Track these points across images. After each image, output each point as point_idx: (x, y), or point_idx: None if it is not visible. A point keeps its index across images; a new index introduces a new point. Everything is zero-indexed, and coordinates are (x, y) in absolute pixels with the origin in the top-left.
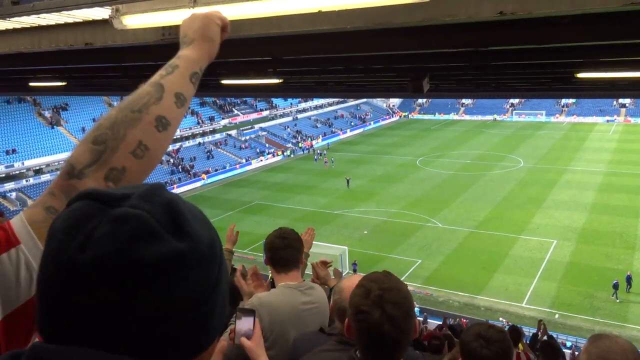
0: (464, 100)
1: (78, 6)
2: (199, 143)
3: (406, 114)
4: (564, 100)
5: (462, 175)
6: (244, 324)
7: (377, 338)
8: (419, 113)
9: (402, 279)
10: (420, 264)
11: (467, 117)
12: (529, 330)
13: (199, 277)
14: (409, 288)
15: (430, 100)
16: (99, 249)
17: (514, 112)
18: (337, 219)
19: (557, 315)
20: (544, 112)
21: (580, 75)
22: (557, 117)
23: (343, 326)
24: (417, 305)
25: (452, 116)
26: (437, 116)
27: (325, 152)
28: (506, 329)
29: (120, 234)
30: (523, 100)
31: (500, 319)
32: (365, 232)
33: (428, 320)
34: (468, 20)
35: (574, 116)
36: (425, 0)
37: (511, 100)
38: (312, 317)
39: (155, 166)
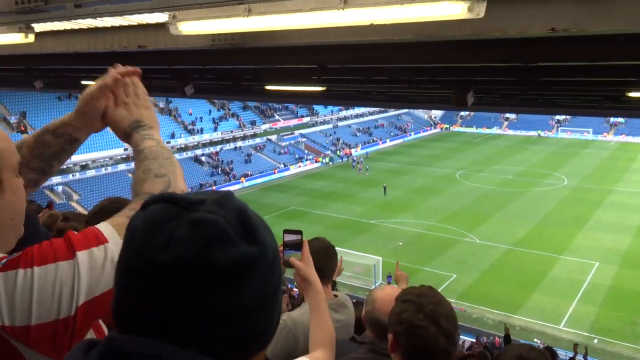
0: (507, 115)
1: (139, 11)
2: (238, 147)
3: (447, 126)
4: (612, 119)
5: (502, 190)
6: (291, 243)
7: (431, 352)
8: (461, 126)
9: None
10: (455, 278)
11: (510, 132)
12: (565, 354)
13: (265, 281)
14: None
15: (473, 113)
16: (178, 249)
17: (560, 128)
18: (373, 228)
19: (595, 340)
20: (591, 130)
21: (632, 94)
22: (604, 136)
23: (375, 336)
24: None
25: (495, 130)
26: (479, 130)
27: (362, 159)
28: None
29: (197, 237)
30: (569, 117)
31: (535, 339)
32: (401, 243)
33: (461, 336)
34: (518, 35)
35: (623, 135)
36: (478, 17)
37: (557, 117)
38: (340, 335)
39: None
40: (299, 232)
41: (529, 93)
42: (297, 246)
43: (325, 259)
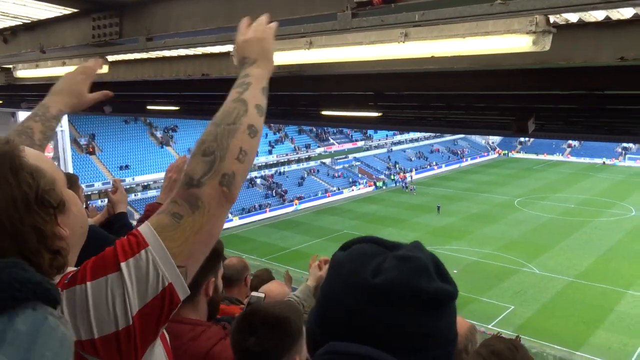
0: (570, 141)
1: (203, 44)
2: (292, 169)
3: (506, 152)
4: None
5: (564, 220)
6: None
7: None
8: (520, 152)
9: (492, 325)
10: (513, 310)
11: (573, 159)
12: None
13: (453, 317)
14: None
15: (532, 139)
16: (388, 275)
17: (627, 156)
18: None
19: None
20: None
21: None
22: None
23: None
24: None
25: (557, 157)
26: (540, 156)
27: (411, 178)
28: None
29: (404, 268)
30: (637, 145)
31: None
32: (455, 271)
33: None
34: (584, 64)
35: None
36: (544, 50)
37: (623, 144)
38: None
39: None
40: None
41: (595, 120)
42: None
43: None
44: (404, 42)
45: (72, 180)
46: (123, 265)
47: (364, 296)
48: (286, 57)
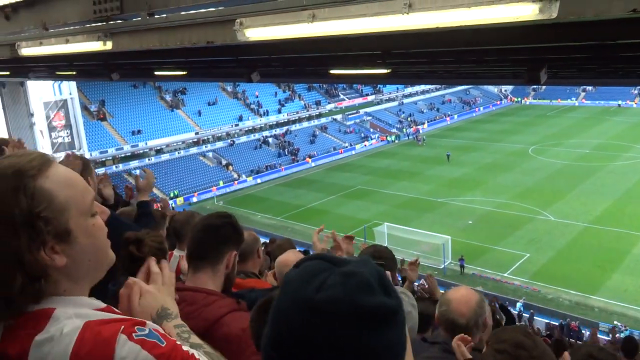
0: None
1: (206, 19)
2: (302, 128)
3: (519, 99)
4: None
5: (579, 165)
6: None
7: None
8: (534, 98)
9: (507, 273)
10: (528, 258)
11: (588, 103)
12: None
13: (399, 332)
14: (515, 283)
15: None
16: (331, 292)
17: None
18: (441, 207)
19: None
20: None
21: None
22: None
23: (448, 335)
24: (522, 301)
25: (571, 102)
26: (554, 102)
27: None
28: (623, 334)
29: (348, 284)
30: None
31: (616, 322)
32: (470, 222)
33: (535, 317)
34: (595, 18)
35: None
36: (552, 17)
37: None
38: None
39: None
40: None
41: (608, 67)
42: None
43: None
44: (407, 13)
45: (84, 164)
46: None
47: (307, 313)
48: (290, 30)
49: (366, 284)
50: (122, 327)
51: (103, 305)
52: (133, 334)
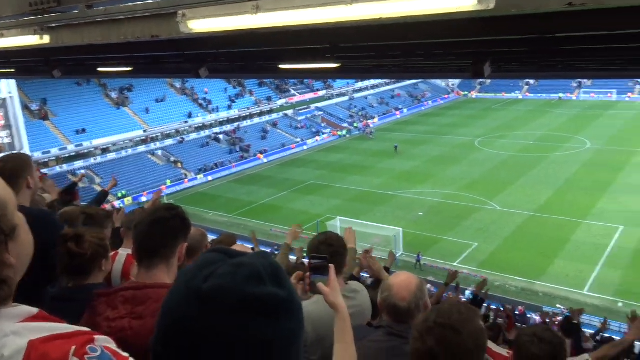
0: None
1: (147, 11)
2: (253, 124)
3: (466, 93)
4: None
5: (523, 156)
6: (318, 266)
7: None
8: (479, 92)
9: (457, 262)
10: (476, 247)
11: (531, 96)
12: (589, 319)
13: (293, 322)
14: (464, 271)
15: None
16: (219, 281)
17: (582, 91)
18: (392, 199)
19: (620, 304)
20: (614, 90)
21: None
22: (629, 96)
23: (391, 319)
24: (471, 289)
25: (515, 95)
26: (499, 95)
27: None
28: (564, 316)
29: (237, 274)
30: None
31: (558, 305)
32: (421, 213)
33: (484, 304)
34: (534, 11)
35: None
36: (489, 8)
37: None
38: (356, 320)
39: None
40: (325, 258)
41: (549, 60)
42: (323, 270)
43: (333, 257)
44: (351, 4)
45: (24, 162)
46: None
47: (194, 302)
48: (233, 21)
49: (256, 274)
50: (73, 347)
51: (35, 310)
52: (85, 356)
